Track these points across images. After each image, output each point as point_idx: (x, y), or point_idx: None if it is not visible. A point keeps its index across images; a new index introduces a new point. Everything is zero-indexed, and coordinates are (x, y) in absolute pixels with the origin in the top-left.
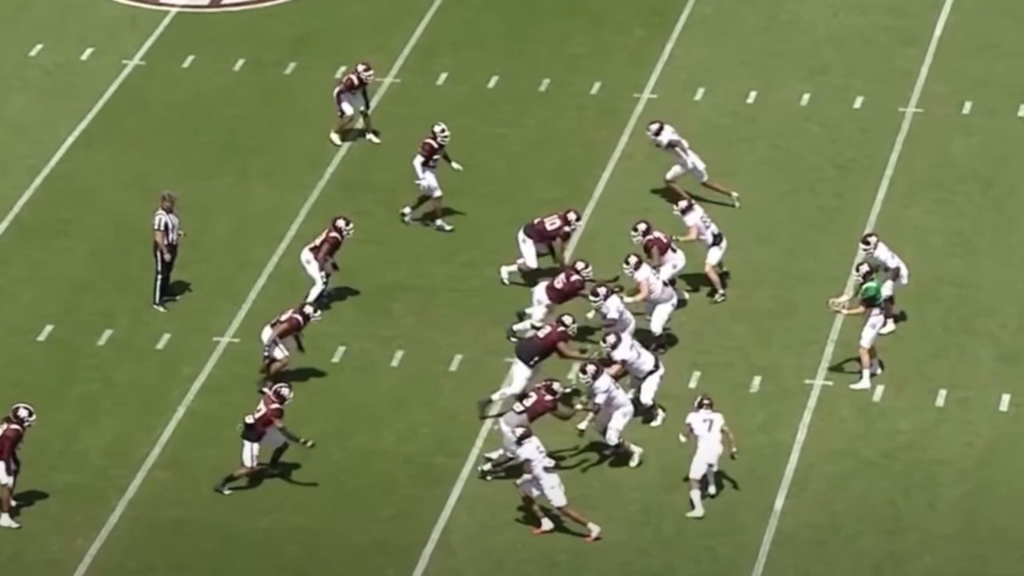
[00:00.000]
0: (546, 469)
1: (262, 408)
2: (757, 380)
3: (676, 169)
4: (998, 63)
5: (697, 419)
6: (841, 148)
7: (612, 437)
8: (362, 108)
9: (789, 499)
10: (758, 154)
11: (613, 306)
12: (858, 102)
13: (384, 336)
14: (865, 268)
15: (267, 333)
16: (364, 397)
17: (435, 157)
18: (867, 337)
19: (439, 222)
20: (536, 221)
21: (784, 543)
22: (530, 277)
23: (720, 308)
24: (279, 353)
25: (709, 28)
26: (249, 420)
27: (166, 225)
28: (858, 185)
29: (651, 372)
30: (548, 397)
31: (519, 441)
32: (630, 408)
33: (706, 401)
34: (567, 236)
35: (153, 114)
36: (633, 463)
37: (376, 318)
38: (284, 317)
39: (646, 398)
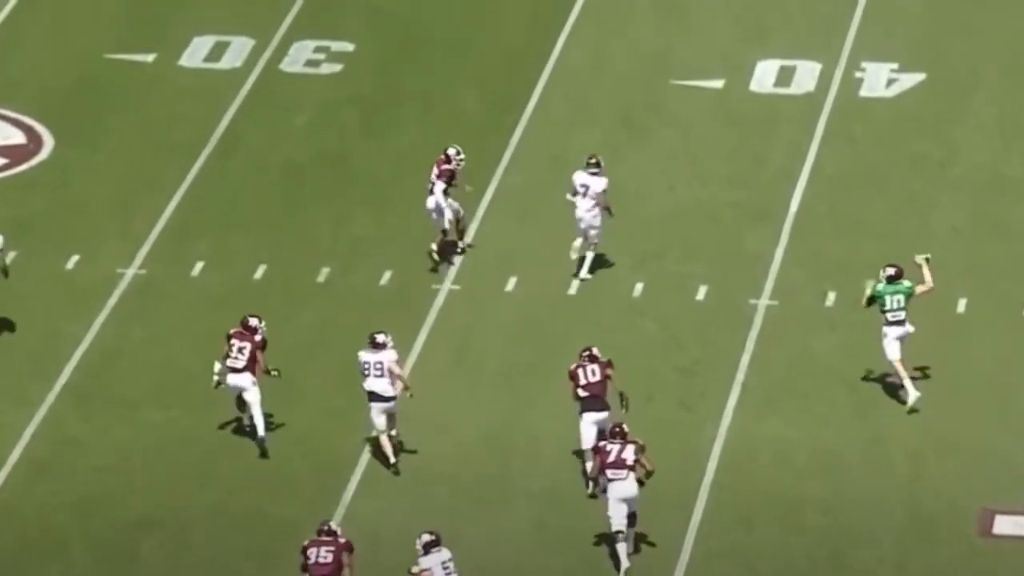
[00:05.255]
0: None
1: None
2: None
3: None
4: (863, 243)
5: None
6: (683, 347)
7: None
8: None
9: None
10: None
11: None
12: (701, 292)
13: None
14: (892, 271)
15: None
16: None
17: (454, 182)
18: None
19: (465, 241)
20: None
21: None
22: None
23: None
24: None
25: (519, 204)
26: None
27: None
28: (704, 392)
29: None
30: None
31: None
32: None
33: None
34: None
35: None
36: None
37: None
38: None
39: None
